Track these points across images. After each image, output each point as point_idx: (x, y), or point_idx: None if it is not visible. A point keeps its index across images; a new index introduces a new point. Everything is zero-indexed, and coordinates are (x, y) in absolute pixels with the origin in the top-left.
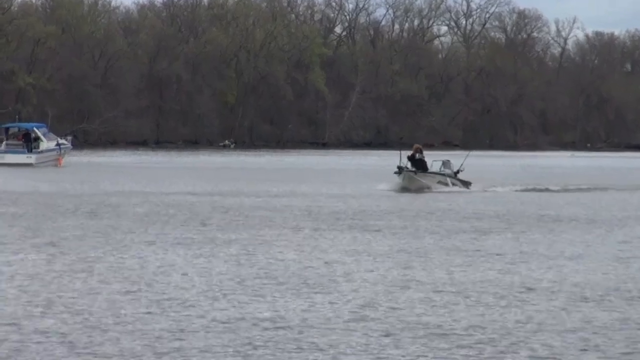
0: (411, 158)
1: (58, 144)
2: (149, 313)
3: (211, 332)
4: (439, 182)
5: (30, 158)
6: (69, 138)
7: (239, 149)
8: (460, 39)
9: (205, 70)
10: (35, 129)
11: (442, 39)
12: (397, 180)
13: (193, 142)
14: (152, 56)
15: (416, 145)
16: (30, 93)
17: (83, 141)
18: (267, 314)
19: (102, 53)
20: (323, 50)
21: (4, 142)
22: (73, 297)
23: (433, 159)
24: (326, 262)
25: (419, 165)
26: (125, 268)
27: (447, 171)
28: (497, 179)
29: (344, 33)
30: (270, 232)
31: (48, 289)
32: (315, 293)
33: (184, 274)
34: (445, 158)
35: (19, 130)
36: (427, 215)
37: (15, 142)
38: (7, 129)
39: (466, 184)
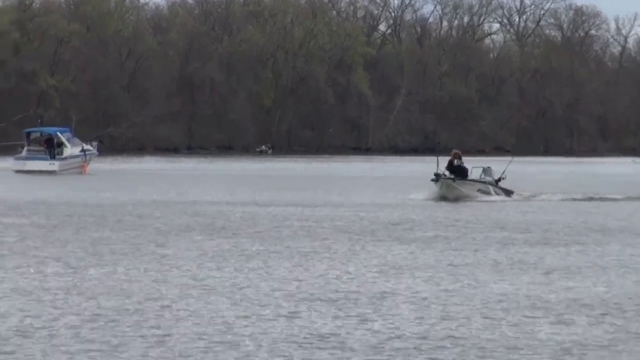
0: (449, 164)
1: (83, 150)
2: (174, 332)
3: (243, 352)
4: (479, 191)
5: (54, 165)
6: (95, 144)
7: (276, 155)
8: (513, 37)
9: (241, 71)
10: (58, 133)
11: (494, 37)
12: (434, 188)
13: (227, 148)
14: (184, 56)
15: (455, 151)
16: (53, 95)
17: (109, 147)
18: (307, 332)
19: (130, 53)
20: (366, 50)
21: (26, 148)
22: (92, 314)
23: (473, 165)
24: (372, 277)
25: (458, 172)
26: (152, 282)
27: (488, 179)
28: (544, 187)
29: (389, 31)
30: (306, 245)
31: (67, 303)
32: (365, 310)
33: (213, 289)
34: (486, 164)
35: (41, 135)
36: (469, 226)
37: (38, 147)
38: (28, 134)
39: (508, 192)
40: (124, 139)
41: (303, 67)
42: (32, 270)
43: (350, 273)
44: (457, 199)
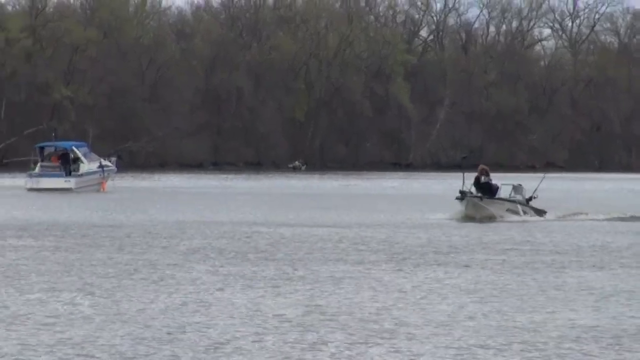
0: (476, 181)
1: (101, 166)
2: None
3: None
4: (508, 210)
5: (69, 182)
6: (113, 159)
7: (309, 171)
8: (566, 44)
9: (270, 81)
10: (74, 148)
11: (545, 43)
12: (459, 207)
13: (256, 164)
14: (209, 65)
15: (482, 166)
16: (68, 108)
17: (128, 163)
18: None
19: (151, 62)
20: (406, 58)
21: (39, 164)
22: (107, 344)
23: (502, 182)
24: (411, 303)
25: (486, 189)
26: (172, 308)
27: (518, 197)
28: (582, 206)
29: (431, 37)
30: (338, 268)
31: (85, 331)
32: (406, 340)
33: (236, 317)
34: (516, 182)
35: (55, 150)
36: (500, 248)
37: (52, 164)
38: (42, 149)
39: (540, 212)
40: (144, 154)
41: (338, 77)
42: (43, 295)
43: (394, 300)
44: (484, 219)
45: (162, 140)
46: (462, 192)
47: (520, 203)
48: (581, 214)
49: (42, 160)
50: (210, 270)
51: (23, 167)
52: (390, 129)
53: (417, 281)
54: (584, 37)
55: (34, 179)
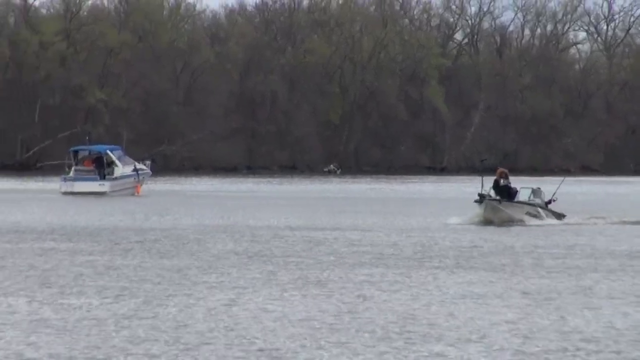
0: (495, 184)
1: (135, 170)
2: None
3: None
4: (528, 214)
5: (104, 186)
6: (148, 163)
7: (344, 175)
8: (601, 47)
9: (305, 85)
10: (108, 152)
11: (580, 46)
12: (477, 210)
13: (290, 168)
14: (243, 69)
15: (500, 169)
16: (102, 111)
17: (162, 166)
18: None
19: (185, 66)
20: (441, 61)
21: (73, 168)
22: (137, 348)
23: (521, 185)
24: (445, 308)
25: (505, 192)
26: (205, 313)
27: (537, 201)
28: (603, 209)
29: (465, 41)
30: (372, 272)
31: (110, 335)
32: (443, 345)
33: (265, 320)
34: (535, 186)
35: (89, 153)
36: (523, 252)
37: (86, 167)
38: (76, 153)
39: (559, 216)
40: (178, 158)
41: (373, 81)
42: (77, 299)
43: (431, 303)
44: (503, 222)
45: (196, 144)
46: (480, 195)
47: (539, 206)
48: (599, 217)
49: (76, 164)
50: (242, 274)
51: (57, 170)
52: (424, 132)
53: (450, 284)
54: (619, 41)
55: (69, 183)
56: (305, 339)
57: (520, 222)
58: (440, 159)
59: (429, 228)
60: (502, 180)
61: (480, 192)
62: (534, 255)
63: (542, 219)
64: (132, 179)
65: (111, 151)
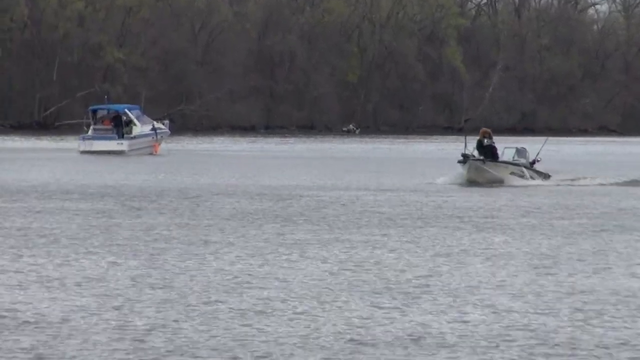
0: (479, 144)
1: (154, 129)
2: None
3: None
4: (512, 174)
5: (122, 145)
6: (166, 122)
7: (362, 135)
8: (619, 8)
9: (323, 45)
10: (127, 111)
11: (598, 7)
12: (461, 170)
13: (308, 128)
14: (262, 29)
15: (484, 129)
16: (120, 70)
17: (180, 126)
18: (407, 328)
19: (204, 25)
20: (459, 22)
21: (92, 127)
22: (142, 309)
23: (505, 145)
24: (455, 267)
25: (488, 152)
26: (220, 272)
27: (522, 161)
28: (590, 170)
29: (484, 1)
30: (381, 232)
31: (123, 297)
32: (458, 305)
33: (282, 281)
34: (520, 145)
35: (108, 112)
36: (520, 212)
37: (104, 126)
38: (94, 112)
39: (545, 176)
40: (196, 118)
41: (391, 40)
42: (96, 260)
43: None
44: (487, 183)
45: (214, 103)
46: (464, 155)
47: (524, 166)
48: (581, 178)
49: (94, 123)
50: (251, 234)
51: (75, 130)
52: (443, 92)
53: (454, 244)
54: (637, 1)
55: (87, 142)
56: (322, 299)
57: (505, 182)
58: (458, 119)
59: (418, 189)
60: (485, 140)
61: (463, 152)
62: (519, 215)
63: (526, 179)
64: (150, 138)
65: (129, 110)
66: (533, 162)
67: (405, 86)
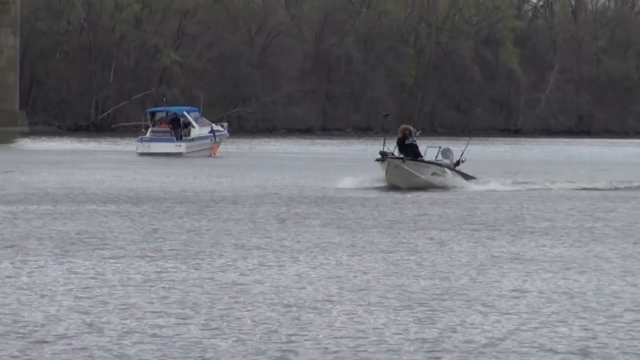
0: (399, 142)
1: (212, 131)
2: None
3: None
4: (434, 174)
5: (180, 147)
6: (225, 124)
7: (421, 137)
8: None
9: (380, 47)
10: (185, 113)
11: None
12: (379, 169)
13: (365, 129)
14: (318, 32)
15: (404, 126)
16: (177, 73)
17: (237, 128)
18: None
19: (260, 28)
20: (516, 24)
21: (150, 129)
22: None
23: (428, 145)
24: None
25: (410, 151)
26: (271, 276)
27: (446, 161)
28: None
29: (541, 3)
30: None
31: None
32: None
33: (320, 285)
34: (444, 146)
35: (167, 115)
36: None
37: (163, 128)
38: (153, 114)
39: (469, 177)
40: (253, 120)
41: (448, 43)
42: (142, 262)
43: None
44: (406, 184)
45: (270, 106)
46: (382, 154)
47: (447, 167)
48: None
49: (153, 125)
50: (288, 236)
51: (131, 132)
52: (499, 95)
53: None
54: None
55: (145, 144)
56: (363, 302)
57: (426, 184)
58: (515, 121)
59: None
60: (408, 139)
61: (382, 149)
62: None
63: (449, 181)
64: (208, 140)
65: (188, 112)
66: (457, 163)
67: (462, 88)
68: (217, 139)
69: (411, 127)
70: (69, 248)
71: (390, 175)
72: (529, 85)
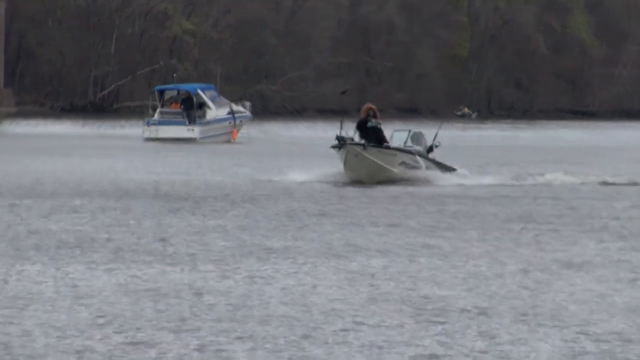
0: (361, 125)
1: (231, 112)
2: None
3: None
4: (403, 164)
5: (193, 131)
6: (247, 104)
7: (480, 120)
8: None
9: (427, 15)
10: (200, 91)
11: None
12: (337, 158)
13: (409, 111)
14: None
15: (368, 105)
16: (189, 43)
17: (260, 108)
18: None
19: None
20: None
21: (158, 110)
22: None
23: (395, 128)
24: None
25: (372, 135)
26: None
27: (417, 148)
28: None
29: None
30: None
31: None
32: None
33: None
34: (416, 128)
35: (178, 93)
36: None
37: (173, 109)
38: (162, 92)
39: (446, 168)
40: (278, 99)
41: (507, 9)
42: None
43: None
44: (369, 176)
45: (299, 83)
46: (339, 139)
47: (419, 154)
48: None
49: (162, 106)
50: (300, 237)
51: (136, 113)
52: (568, 70)
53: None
54: None
55: (153, 127)
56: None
57: (392, 175)
58: (587, 101)
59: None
60: (370, 120)
61: (338, 134)
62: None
63: (423, 172)
64: (227, 123)
65: (203, 90)
66: (430, 149)
67: (524, 62)
68: (237, 122)
69: (375, 108)
70: (53, 252)
71: (349, 166)
72: (603, 59)
